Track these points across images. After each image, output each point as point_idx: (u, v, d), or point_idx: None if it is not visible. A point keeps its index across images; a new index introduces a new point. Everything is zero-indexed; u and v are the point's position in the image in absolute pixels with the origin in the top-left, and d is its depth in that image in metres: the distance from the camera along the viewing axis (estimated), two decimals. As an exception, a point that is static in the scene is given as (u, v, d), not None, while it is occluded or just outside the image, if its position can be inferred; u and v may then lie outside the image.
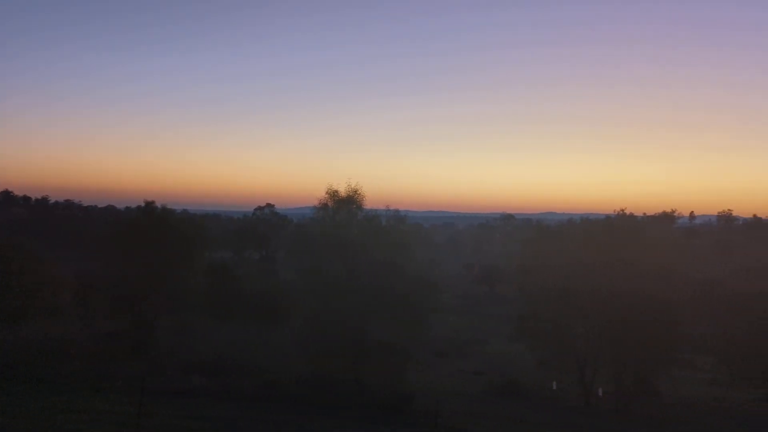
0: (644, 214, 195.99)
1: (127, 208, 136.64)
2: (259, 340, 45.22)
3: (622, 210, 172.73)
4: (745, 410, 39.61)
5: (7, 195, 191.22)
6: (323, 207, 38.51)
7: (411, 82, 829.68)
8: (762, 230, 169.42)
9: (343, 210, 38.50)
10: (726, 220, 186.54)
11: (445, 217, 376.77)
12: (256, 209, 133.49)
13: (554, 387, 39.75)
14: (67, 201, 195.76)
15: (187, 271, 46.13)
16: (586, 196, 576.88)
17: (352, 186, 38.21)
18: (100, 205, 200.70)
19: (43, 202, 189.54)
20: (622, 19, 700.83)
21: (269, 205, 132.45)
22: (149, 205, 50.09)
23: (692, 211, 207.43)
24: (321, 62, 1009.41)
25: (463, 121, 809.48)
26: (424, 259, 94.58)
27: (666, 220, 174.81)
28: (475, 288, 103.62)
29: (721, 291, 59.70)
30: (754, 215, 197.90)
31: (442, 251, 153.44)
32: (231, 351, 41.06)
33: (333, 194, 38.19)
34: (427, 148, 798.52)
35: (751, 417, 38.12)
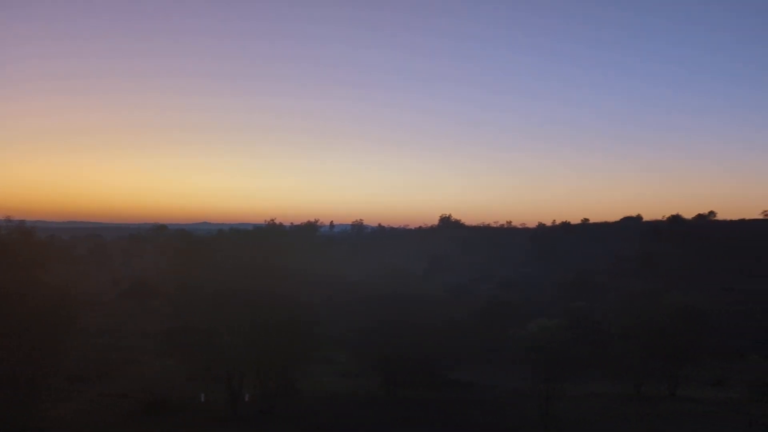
0: (292, 223, 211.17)
1: None
2: None
3: (273, 220, 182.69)
4: (371, 396, 45.87)
5: None
6: None
7: (51, 80, 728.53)
8: (384, 237, 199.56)
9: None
10: (358, 228, 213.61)
11: (89, 228, 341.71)
12: None
13: (203, 399, 39.85)
14: None
15: None
16: (240, 206, 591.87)
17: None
18: None
19: None
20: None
21: None
22: None
23: (332, 221, 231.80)
24: None
25: (115, 126, 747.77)
26: (63, 273, 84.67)
27: (310, 228, 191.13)
28: (125, 303, 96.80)
29: (354, 291, 68.22)
30: (379, 224, 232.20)
31: (85, 265, 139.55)
32: None
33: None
34: (66, 154, 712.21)
35: (376, 401, 44.34)
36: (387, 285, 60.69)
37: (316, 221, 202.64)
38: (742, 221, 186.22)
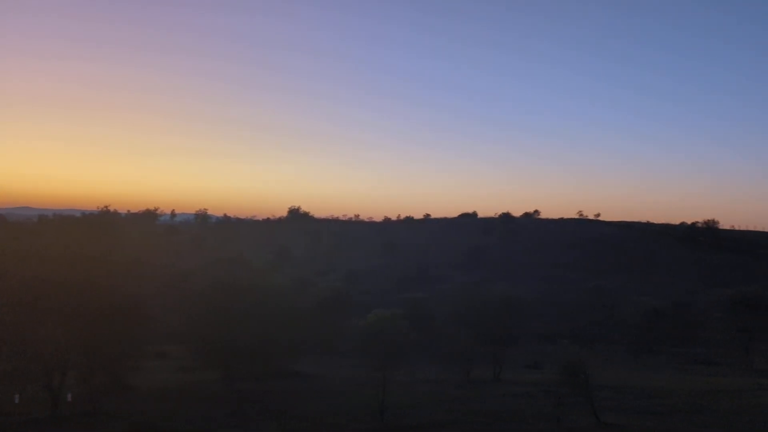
0: (128, 211, 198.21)
1: None
2: None
3: (106, 207, 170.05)
4: (208, 390, 44.64)
5: None
6: None
7: None
8: (230, 227, 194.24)
9: None
10: (202, 218, 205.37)
11: None
12: None
13: (17, 400, 36.15)
14: None
15: None
16: (69, 191, 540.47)
17: None
18: None
19: None
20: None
21: None
22: None
23: (173, 210, 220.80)
24: None
25: None
26: None
27: (149, 217, 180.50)
28: None
29: (193, 282, 65.78)
30: (225, 214, 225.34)
31: None
32: None
33: None
34: None
35: (213, 395, 43.24)
36: (229, 276, 59.17)
37: (156, 209, 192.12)
38: (561, 219, 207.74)
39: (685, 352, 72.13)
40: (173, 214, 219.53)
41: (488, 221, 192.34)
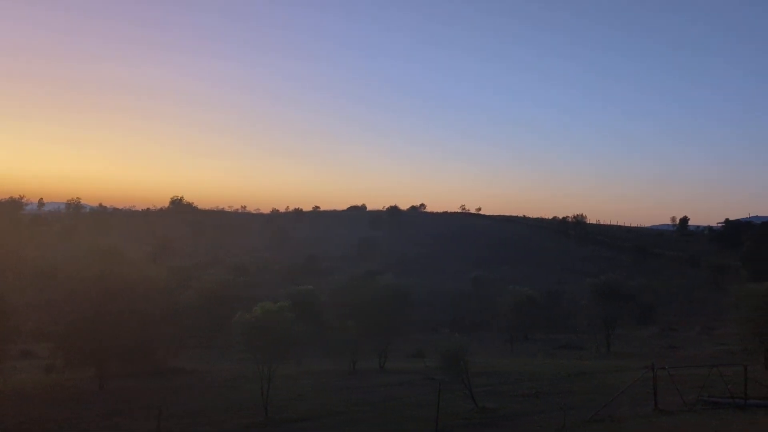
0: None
1: None
2: None
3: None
4: (79, 390, 42.15)
5: None
6: None
7: None
8: (106, 217, 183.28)
9: None
10: (75, 207, 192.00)
11: None
12: None
13: None
14: None
15: None
16: None
17: None
18: None
19: None
20: None
21: None
22: None
23: (41, 198, 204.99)
24: None
25: None
26: None
27: (13, 205, 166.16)
28: None
29: (63, 276, 61.44)
30: (100, 204, 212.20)
31: None
32: None
33: None
34: None
35: (85, 396, 40.88)
36: (103, 269, 55.86)
37: (21, 198, 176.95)
38: (446, 213, 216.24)
39: (555, 338, 77.55)
40: (41, 203, 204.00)
41: (377, 214, 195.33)
